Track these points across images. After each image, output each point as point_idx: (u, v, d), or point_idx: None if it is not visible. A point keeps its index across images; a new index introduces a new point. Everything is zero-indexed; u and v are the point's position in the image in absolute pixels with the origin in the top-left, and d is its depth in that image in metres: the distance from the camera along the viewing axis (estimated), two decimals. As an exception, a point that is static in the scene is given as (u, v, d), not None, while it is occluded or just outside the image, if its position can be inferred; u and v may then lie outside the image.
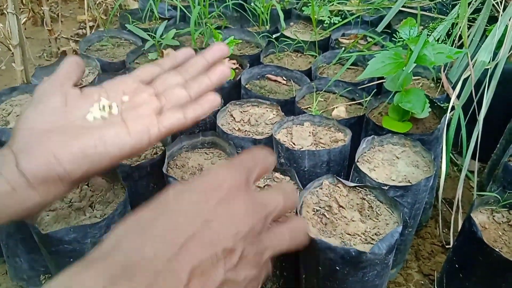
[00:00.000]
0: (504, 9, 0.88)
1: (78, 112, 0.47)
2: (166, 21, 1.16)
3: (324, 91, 0.97)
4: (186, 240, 0.31)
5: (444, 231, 0.91)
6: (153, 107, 0.49)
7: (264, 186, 0.73)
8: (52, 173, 0.42)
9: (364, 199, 0.68)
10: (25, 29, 1.61)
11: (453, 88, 0.86)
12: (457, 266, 0.71)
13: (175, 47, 1.13)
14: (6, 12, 1.19)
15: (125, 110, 0.49)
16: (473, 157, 0.84)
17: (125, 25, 1.16)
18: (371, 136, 0.78)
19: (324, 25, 1.23)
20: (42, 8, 1.58)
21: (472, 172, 0.94)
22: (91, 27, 1.59)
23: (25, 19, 1.58)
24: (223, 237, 0.33)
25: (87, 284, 0.27)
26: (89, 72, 1.06)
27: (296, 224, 0.42)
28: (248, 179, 0.38)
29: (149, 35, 1.08)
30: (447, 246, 0.86)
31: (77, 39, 1.69)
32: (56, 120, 0.46)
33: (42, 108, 0.46)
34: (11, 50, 1.27)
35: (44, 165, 0.42)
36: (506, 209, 0.71)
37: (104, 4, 1.74)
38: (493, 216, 0.71)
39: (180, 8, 1.25)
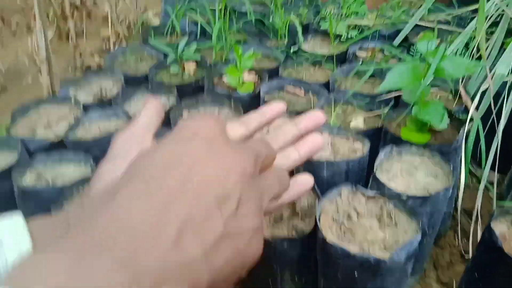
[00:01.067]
0: (521, 22, 0.89)
1: None
2: (187, 36, 1.20)
3: (342, 103, 0.98)
4: (168, 196, 0.27)
5: (463, 241, 0.90)
6: None
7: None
8: None
9: (382, 208, 0.68)
10: (51, 44, 1.67)
11: (472, 100, 0.87)
12: (476, 275, 0.71)
13: (196, 61, 1.16)
14: (34, 28, 1.24)
15: None
16: (492, 168, 0.84)
17: (148, 40, 1.20)
18: (390, 147, 0.79)
19: (342, 39, 1.25)
20: (67, 24, 1.64)
21: (491, 183, 0.94)
22: (114, 43, 1.64)
23: (51, 35, 1.64)
24: (213, 183, 0.29)
25: (49, 267, 0.23)
26: (114, 85, 1.09)
27: (278, 170, 0.40)
28: (223, 131, 0.34)
29: (170, 49, 1.12)
30: (465, 256, 0.86)
31: (101, 54, 1.74)
32: None
33: (120, 164, 0.38)
34: (38, 64, 1.33)
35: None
36: (526, 219, 0.71)
37: (127, 20, 1.80)
38: (513, 226, 0.71)
39: (201, 23, 1.28)
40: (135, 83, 1.09)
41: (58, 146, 0.87)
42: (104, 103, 1.00)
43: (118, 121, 0.94)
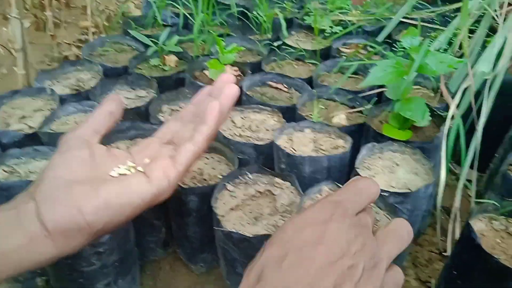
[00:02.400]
0: (504, 21, 0.90)
1: (103, 167, 0.47)
2: (169, 27, 1.17)
3: (325, 98, 0.98)
4: (317, 268, 0.33)
5: (442, 238, 0.91)
6: (169, 154, 0.50)
7: (264, 192, 0.74)
8: (73, 224, 0.41)
9: (363, 205, 0.68)
10: (28, 34, 1.62)
11: (453, 97, 0.87)
12: (455, 273, 0.71)
13: (178, 54, 1.14)
14: (9, 16, 1.20)
15: (146, 166, 0.49)
16: (471, 166, 0.84)
17: (128, 31, 1.17)
18: (371, 143, 0.79)
19: (325, 34, 1.24)
20: (45, 13, 1.59)
21: (470, 181, 0.95)
22: (93, 33, 1.60)
23: (28, 24, 1.59)
24: (344, 255, 0.34)
25: None
26: (92, 77, 1.06)
27: (397, 225, 0.42)
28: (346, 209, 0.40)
29: (151, 41, 1.09)
30: (444, 254, 0.86)
31: (80, 44, 1.70)
32: (82, 172, 0.45)
33: (68, 159, 0.46)
34: (13, 55, 1.28)
35: (66, 216, 0.41)
36: (504, 217, 0.72)
37: (107, 10, 1.76)
38: (491, 223, 0.71)
39: (183, 15, 1.26)
40: (114, 75, 1.06)
41: (32, 139, 0.84)
42: (81, 95, 0.97)
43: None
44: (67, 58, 1.59)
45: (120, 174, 0.47)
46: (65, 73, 1.08)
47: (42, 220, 0.40)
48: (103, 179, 0.45)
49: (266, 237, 0.64)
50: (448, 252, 0.82)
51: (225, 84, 0.53)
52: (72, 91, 1.01)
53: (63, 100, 0.94)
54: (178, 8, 1.27)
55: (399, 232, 0.41)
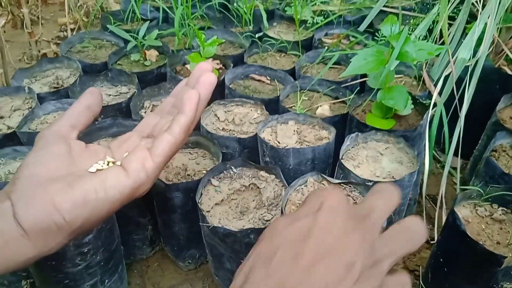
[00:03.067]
0: (483, 7, 0.90)
1: (81, 164, 0.46)
2: (149, 22, 1.15)
3: (308, 90, 0.97)
4: (308, 264, 0.31)
5: (428, 227, 0.91)
6: (147, 146, 0.48)
7: (249, 185, 0.73)
8: (51, 223, 0.40)
9: (349, 195, 0.68)
10: (5, 32, 1.59)
11: (435, 85, 0.87)
12: (441, 260, 0.72)
13: (158, 48, 1.12)
14: (-16, 14, 1.17)
15: (123, 159, 0.48)
16: (455, 153, 0.85)
17: (107, 26, 1.15)
18: (355, 133, 0.79)
19: (307, 25, 1.24)
20: (21, 10, 1.55)
21: (455, 168, 0.95)
22: (72, 30, 1.57)
23: (4, 22, 1.55)
24: (342, 252, 0.32)
25: None
26: (71, 74, 1.04)
27: (410, 223, 0.38)
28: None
29: (131, 36, 1.07)
30: (431, 242, 0.87)
31: (58, 41, 1.67)
32: (58, 169, 0.44)
33: (44, 156, 0.45)
34: (-10, 53, 1.25)
35: (43, 215, 0.40)
36: (488, 203, 0.72)
37: (85, 6, 1.72)
38: (476, 210, 0.72)
39: (163, 9, 1.24)
40: (93, 72, 1.05)
41: (11, 140, 0.82)
42: (60, 93, 0.95)
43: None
44: (46, 55, 1.55)
45: (98, 169, 0.46)
46: (44, 71, 1.05)
47: (18, 219, 0.39)
48: (80, 176, 0.44)
49: (253, 231, 0.63)
50: (435, 240, 0.83)
51: (203, 73, 0.51)
52: (51, 89, 0.99)
53: (41, 98, 0.92)
54: (157, 1, 1.25)
55: (411, 231, 0.37)
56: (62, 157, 0.45)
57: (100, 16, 1.44)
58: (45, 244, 0.41)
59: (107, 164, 0.47)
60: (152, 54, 1.11)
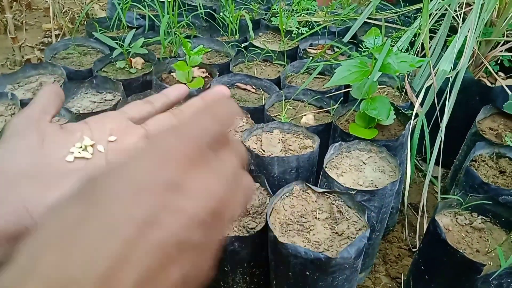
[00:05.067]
0: (463, 21, 0.92)
1: (57, 152, 0.40)
2: (135, 29, 1.15)
3: (293, 99, 0.98)
4: (121, 245, 0.24)
5: (410, 235, 0.93)
6: (140, 132, 0.43)
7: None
8: (21, 228, 0.35)
9: (333, 204, 0.69)
10: (-13, 37, 1.57)
11: (417, 96, 0.89)
12: (423, 268, 0.73)
13: (144, 56, 1.12)
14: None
15: (111, 151, 0.42)
16: (436, 163, 0.86)
17: (92, 33, 1.15)
18: (339, 143, 0.80)
19: (292, 35, 1.25)
20: (5, 15, 1.54)
21: (436, 177, 0.97)
22: (57, 36, 1.56)
23: (-13, 27, 1.53)
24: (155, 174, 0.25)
25: None
26: (55, 80, 1.03)
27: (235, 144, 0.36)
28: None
29: (117, 43, 1.07)
30: (413, 250, 0.88)
31: (42, 47, 1.65)
32: (31, 162, 0.39)
33: (14, 147, 0.39)
34: (-28, 58, 1.23)
35: (13, 218, 0.35)
36: (468, 211, 0.74)
37: (70, 12, 1.71)
38: (456, 218, 0.73)
39: (149, 17, 1.24)
40: (78, 78, 1.04)
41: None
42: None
43: (60, 119, 0.89)
44: (29, 61, 1.54)
45: (76, 157, 0.40)
46: (27, 76, 1.04)
47: None
48: (58, 170, 0.39)
49: (237, 238, 0.64)
50: (417, 248, 0.84)
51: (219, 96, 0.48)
52: (34, 95, 0.98)
53: (24, 104, 0.91)
54: (143, 9, 1.25)
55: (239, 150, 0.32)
56: (33, 148, 0.40)
57: (85, 23, 1.44)
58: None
59: (84, 149, 0.41)
60: (138, 62, 1.10)
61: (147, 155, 0.26)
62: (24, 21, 1.61)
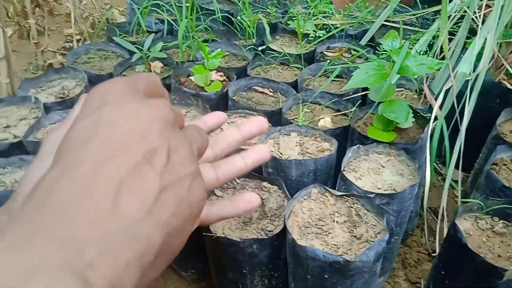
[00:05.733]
0: (483, 23, 0.91)
1: None
2: (153, 34, 1.17)
3: (310, 102, 0.98)
4: (94, 165, 0.27)
5: (430, 239, 0.92)
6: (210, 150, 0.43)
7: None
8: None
9: (351, 207, 0.69)
10: (11, 42, 1.60)
11: (436, 99, 0.88)
12: (443, 272, 0.72)
13: (162, 60, 1.14)
14: (-8, 25, 1.18)
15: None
16: (456, 166, 0.85)
17: (113, 38, 1.17)
18: (357, 146, 0.80)
19: (309, 38, 1.25)
20: (28, 21, 1.58)
21: (456, 181, 0.96)
22: (78, 40, 1.59)
23: (11, 32, 1.57)
24: (135, 142, 0.29)
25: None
26: (76, 84, 1.06)
27: (195, 125, 0.37)
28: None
29: (136, 47, 1.09)
30: (433, 254, 0.87)
31: (64, 52, 1.69)
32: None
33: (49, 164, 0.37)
34: (-4, 63, 1.26)
35: None
36: (489, 215, 0.73)
37: (91, 17, 1.75)
38: (477, 223, 0.72)
39: (168, 21, 1.26)
40: (98, 82, 1.05)
41: (18, 149, 0.84)
42: (66, 103, 0.96)
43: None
44: (52, 65, 1.57)
45: None
46: (50, 81, 1.07)
47: None
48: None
49: (256, 241, 0.64)
50: (437, 253, 0.84)
51: (258, 143, 0.45)
52: (57, 99, 1.00)
53: (47, 108, 0.93)
54: (162, 14, 1.27)
55: (199, 130, 0.35)
56: None
57: (105, 28, 1.47)
58: None
59: None
60: (157, 66, 1.12)
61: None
62: (46, 27, 1.64)
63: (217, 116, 0.46)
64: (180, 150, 0.30)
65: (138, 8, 1.26)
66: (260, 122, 0.45)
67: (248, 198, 0.42)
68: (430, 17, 1.31)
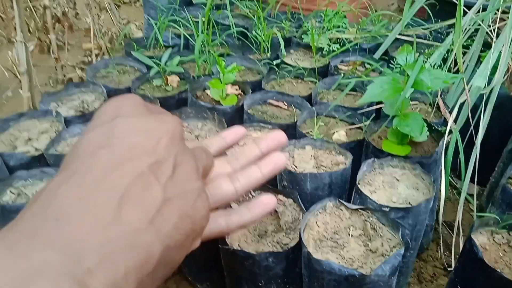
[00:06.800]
0: (497, 36, 0.92)
1: None
2: (170, 48, 1.20)
3: (325, 115, 0.99)
4: (101, 174, 0.28)
5: (445, 253, 0.91)
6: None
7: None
8: None
9: (366, 221, 0.69)
10: (32, 56, 1.65)
11: (450, 112, 0.89)
12: (459, 287, 0.72)
13: (179, 74, 1.16)
14: (14, 40, 1.23)
15: None
16: (471, 180, 0.85)
17: (131, 52, 1.20)
18: (372, 159, 0.80)
19: (323, 52, 1.27)
20: (49, 36, 1.62)
21: (471, 195, 0.96)
22: (96, 55, 1.63)
23: (32, 47, 1.62)
24: (143, 153, 0.29)
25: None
26: (96, 98, 1.08)
27: (201, 146, 0.39)
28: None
29: (154, 62, 1.12)
30: (449, 269, 0.87)
31: (83, 66, 1.73)
32: None
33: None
34: (18, 77, 1.31)
35: None
36: (505, 230, 0.73)
37: (109, 32, 1.79)
38: (493, 237, 0.72)
39: (184, 36, 1.28)
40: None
41: (39, 161, 0.86)
42: (86, 117, 0.99)
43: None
44: (71, 80, 1.61)
45: None
46: (70, 95, 1.10)
47: None
48: None
49: (271, 254, 0.65)
50: (453, 267, 0.83)
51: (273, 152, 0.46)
52: (77, 112, 1.03)
53: (68, 121, 0.96)
54: (179, 29, 1.30)
55: (206, 150, 0.38)
56: None
57: (123, 43, 1.50)
58: None
59: None
60: (174, 80, 1.14)
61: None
62: (66, 42, 1.69)
63: (237, 131, 0.47)
64: (186, 165, 0.31)
65: (156, 23, 1.29)
66: (279, 137, 0.46)
67: (265, 201, 0.43)
68: (444, 31, 1.31)
